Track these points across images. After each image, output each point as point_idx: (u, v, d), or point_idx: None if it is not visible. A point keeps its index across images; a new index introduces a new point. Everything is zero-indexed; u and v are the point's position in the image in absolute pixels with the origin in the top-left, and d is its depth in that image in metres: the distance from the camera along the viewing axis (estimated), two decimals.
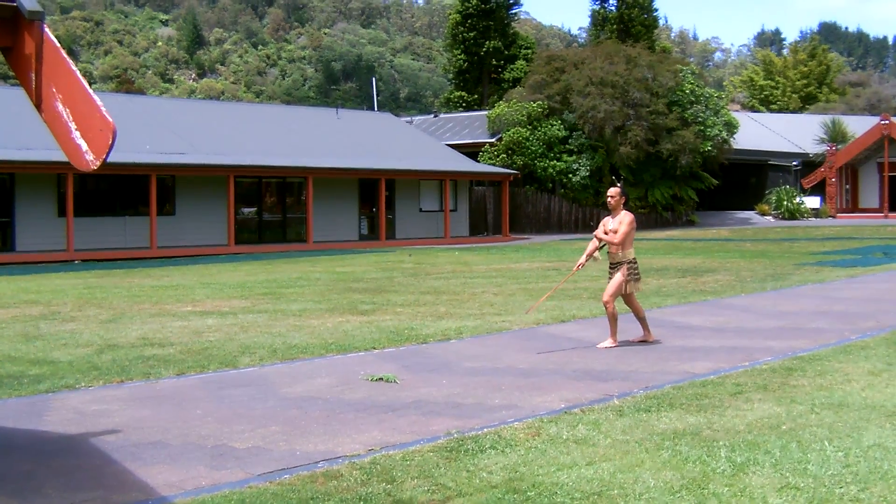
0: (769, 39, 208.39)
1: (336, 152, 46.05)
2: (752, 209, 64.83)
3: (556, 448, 7.68)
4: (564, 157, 52.79)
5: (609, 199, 13.28)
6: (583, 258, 13.53)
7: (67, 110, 5.35)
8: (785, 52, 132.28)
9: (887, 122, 63.18)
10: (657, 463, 7.18)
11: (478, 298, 19.62)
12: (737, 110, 77.73)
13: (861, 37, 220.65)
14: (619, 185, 13.43)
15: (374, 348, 13.27)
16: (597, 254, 13.48)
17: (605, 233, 13.16)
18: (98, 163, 5.18)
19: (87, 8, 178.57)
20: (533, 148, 52.14)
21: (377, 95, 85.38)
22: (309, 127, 49.70)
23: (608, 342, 13.14)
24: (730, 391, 9.77)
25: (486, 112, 58.50)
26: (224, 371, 11.59)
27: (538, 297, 16.38)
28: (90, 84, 5.88)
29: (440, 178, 48.21)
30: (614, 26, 71.74)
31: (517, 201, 53.22)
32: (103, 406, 9.61)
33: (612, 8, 73.73)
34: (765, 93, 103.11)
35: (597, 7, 75.20)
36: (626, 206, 13.40)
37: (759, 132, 70.40)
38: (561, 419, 8.69)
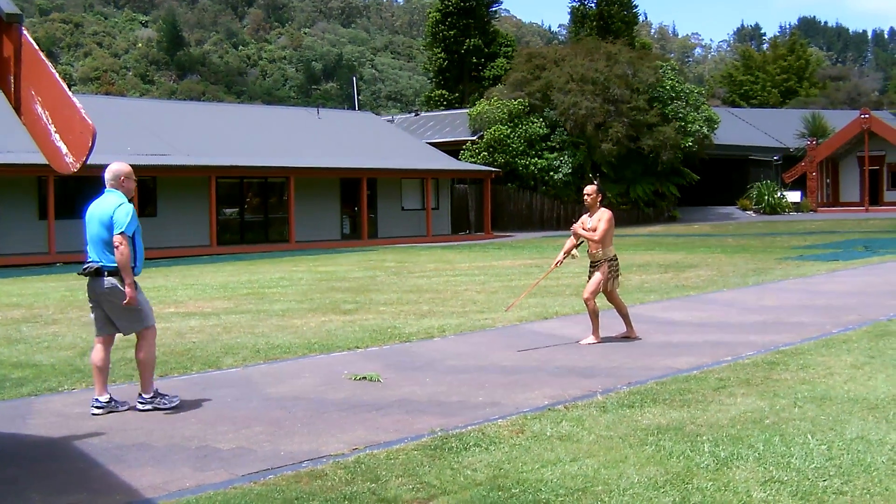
0: (749, 35, 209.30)
1: (317, 152, 46.05)
2: (734, 204, 65.02)
3: (540, 445, 7.69)
4: (546, 154, 52.83)
5: (586, 197, 13.25)
6: (560, 255, 13.51)
7: (47, 113, 5.35)
8: (765, 47, 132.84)
9: (867, 116, 63.42)
10: (641, 458, 7.20)
11: (460, 296, 19.63)
12: (717, 106, 77.96)
13: (840, 31, 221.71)
14: (595, 182, 13.43)
15: (358, 347, 13.27)
16: (575, 251, 13.46)
17: (584, 229, 13.15)
18: (78, 165, 5.18)
19: (66, 10, 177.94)
20: (514, 145, 52.16)
21: (358, 95, 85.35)
22: (290, 127, 49.66)
23: (590, 339, 13.15)
24: (713, 386, 9.79)
25: (467, 110, 58.56)
26: (207, 372, 11.57)
27: (520, 295, 16.40)
28: (70, 86, 5.87)
29: (422, 177, 48.21)
30: (594, 23, 71.83)
31: (499, 199, 53.26)
32: (87, 409, 9.56)
33: (592, 5, 73.86)
34: (744, 88, 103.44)
35: (577, 4, 75.33)
36: (606, 203, 13.39)
37: (739, 127, 70.64)
38: (545, 416, 8.70)
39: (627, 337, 13.44)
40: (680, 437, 7.79)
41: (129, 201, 9.54)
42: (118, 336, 9.77)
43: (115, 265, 9.33)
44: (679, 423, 8.29)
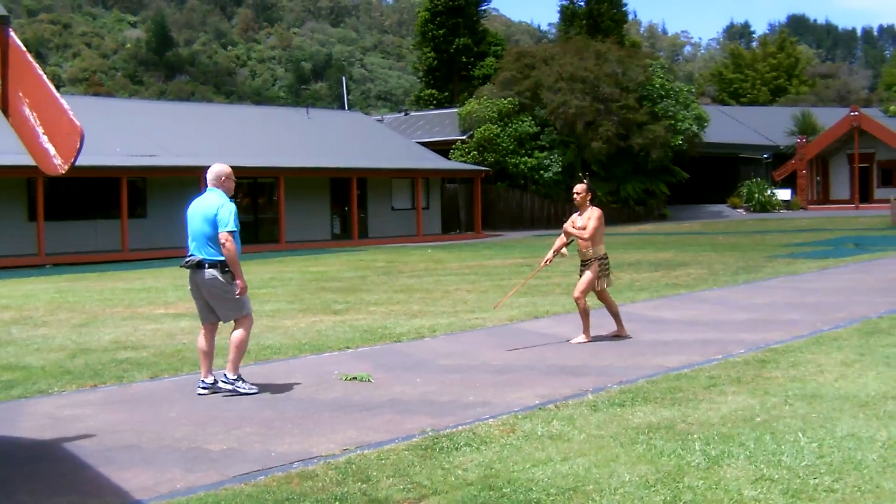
0: (738, 33, 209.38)
1: (307, 152, 46.00)
2: (724, 202, 65.08)
3: (530, 444, 7.69)
4: (536, 153, 52.85)
5: (575, 195, 13.22)
6: (549, 254, 13.50)
7: (34, 114, 5.33)
8: (754, 44, 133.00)
9: (857, 113, 63.59)
10: (632, 457, 7.20)
11: (451, 296, 19.63)
12: (707, 104, 78.03)
13: (830, 29, 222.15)
14: (585, 181, 13.40)
15: (348, 348, 13.26)
16: (564, 250, 13.45)
17: (574, 228, 13.13)
18: (66, 166, 5.16)
19: (54, 10, 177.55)
20: (504, 144, 52.17)
21: (347, 94, 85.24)
22: (279, 127, 49.59)
23: (581, 338, 13.14)
24: (703, 384, 9.80)
25: (456, 109, 58.50)
26: (198, 373, 11.51)
27: (508, 293, 16.40)
28: (59, 87, 5.86)
29: (412, 177, 48.19)
30: (584, 21, 71.68)
31: (489, 198, 53.22)
32: (77, 411, 9.57)
33: (582, 3, 73.64)
34: (734, 86, 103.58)
35: (566, 3, 75.15)
36: (596, 202, 13.38)
37: (729, 125, 70.69)
38: (535, 415, 8.70)
39: (618, 335, 13.44)
40: (671, 435, 7.79)
41: (231, 199, 10.37)
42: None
43: (216, 258, 10.15)
44: (670, 421, 8.29)
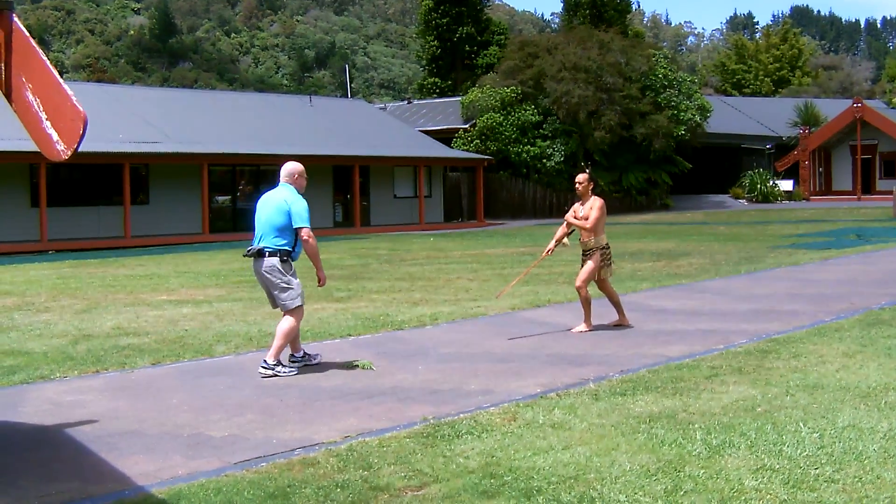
0: (742, 23, 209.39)
1: (310, 140, 45.93)
2: (726, 193, 65.01)
3: (532, 433, 7.70)
4: (538, 142, 52.76)
5: (577, 185, 13.20)
6: (552, 243, 13.48)
7: (38, 100, 5.32)
8: (757, 35, 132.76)
9: (860, 105, 63.47)
10: (633, 446, 7.21)
11: (453, 284, 19.62)
12: (710, 94, 77.91)
13: (833, 20, 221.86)
14: (587, 170, 13.38)
15: (350, 335, 13.28)
16: (566, 239, 13.43)
17: (576, 218, 13.13)
18: (69, 152, 5.16)
19: None
20: (507, 133, 52.08)
21: (350, 82, 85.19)
22: (282, 115, 49.51)
23: (582, 327, 13.14)
24: (705, 374, 9.80)
25: (459, 98, 58.37)
26: (200, 360, 11.57)
27: (511, 282, 16.40)
28: (62, 74, 5.86)
29: (414, 165, 48.14)
30: (587, 11, 71.49)
31: (491, 187, 53.14)
32: (79, 396, 9.57)
33: None
34: (737, 77, 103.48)
35: None
36: (598, 191, 13.36)
37: (732, 116, 70.58)
38: (537, 404, 8.71)
39: (619, 325, 13.44)
40: (672, 424, 7.80)
41: (302, 195, 10.72)
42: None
43: (277, 247, 10.53)
44: (671, 411, 8.29)
